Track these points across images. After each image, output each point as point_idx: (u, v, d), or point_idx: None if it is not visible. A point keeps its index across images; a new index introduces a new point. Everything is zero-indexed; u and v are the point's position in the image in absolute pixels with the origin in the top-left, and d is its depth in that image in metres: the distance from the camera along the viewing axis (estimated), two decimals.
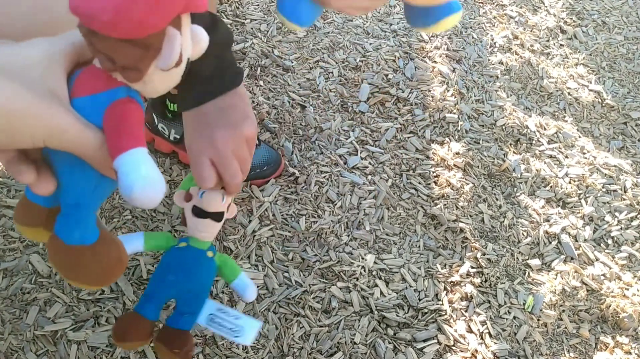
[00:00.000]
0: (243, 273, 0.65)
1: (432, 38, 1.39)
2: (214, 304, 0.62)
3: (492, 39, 1.46)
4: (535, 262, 0.99)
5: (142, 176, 0.29)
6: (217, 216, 0.63)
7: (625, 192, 1.16)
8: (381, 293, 0.89)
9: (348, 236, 0.95)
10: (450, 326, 0.87)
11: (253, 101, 1.12)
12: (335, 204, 0.99)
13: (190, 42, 0.34)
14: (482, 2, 1.59)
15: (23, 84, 0.29)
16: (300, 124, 1.11)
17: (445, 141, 1.15)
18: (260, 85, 1.17)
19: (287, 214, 0.96)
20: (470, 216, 1.03)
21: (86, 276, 0.36)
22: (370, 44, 1.32)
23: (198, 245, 0.62)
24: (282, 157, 1.02)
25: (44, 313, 0.76)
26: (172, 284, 0.60)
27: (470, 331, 0.88)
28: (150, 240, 0.63)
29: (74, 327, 0.76)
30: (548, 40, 1.52)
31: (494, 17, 1.54)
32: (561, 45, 1.52)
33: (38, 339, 0.74)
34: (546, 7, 1.64)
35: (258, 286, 0.85)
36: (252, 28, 1.29)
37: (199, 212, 0.62)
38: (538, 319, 0.92)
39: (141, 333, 0.59)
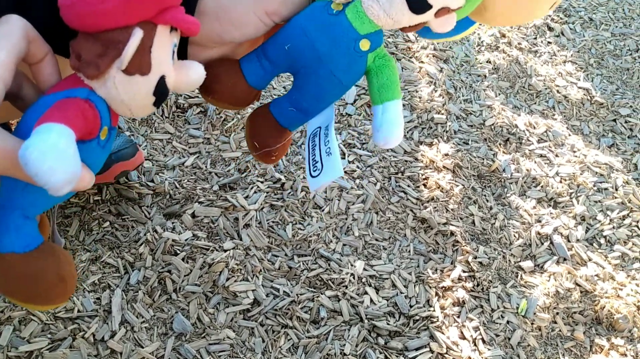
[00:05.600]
0: (399, 102, 0.41)
1: (418, 38, 1.37)
2: (332, 115, 0.42)
3: (480, 38, 1.44)
4: (527, 264, 0.98)
5: (49, 142, 0.26)
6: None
7: (616, 190, 1.15)
8: (371, 300, 0.86)
9: (336, 242, 0.93)
10: (443, 333, 0.85)
11: None
12: (323, 210, 0.97)
13: (171, 63, 0.33)
14: None
15: None
16: None
17: (433, 142, 1.13)
18: None
19: (273, 222, 0.93)
20: (461, 218, 1.01)
21: (20, 291, 0.32)
22: None
23: (358, 23, 0.38)
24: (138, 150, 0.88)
25: (19, 332, 0.73)
26: (303, 53, 0.38)
27: (463, 337, 0.85)
28: None
29: (50, 347, 0.73)
30: (535, 38, 1.51)
31: None
32: (549, 42, 1.50)
33: None
34: None
35: (247, 298, 0.83)
36: None
37: None
38: (532, 323, 0.90)
39: (234, 88, 0.40)
